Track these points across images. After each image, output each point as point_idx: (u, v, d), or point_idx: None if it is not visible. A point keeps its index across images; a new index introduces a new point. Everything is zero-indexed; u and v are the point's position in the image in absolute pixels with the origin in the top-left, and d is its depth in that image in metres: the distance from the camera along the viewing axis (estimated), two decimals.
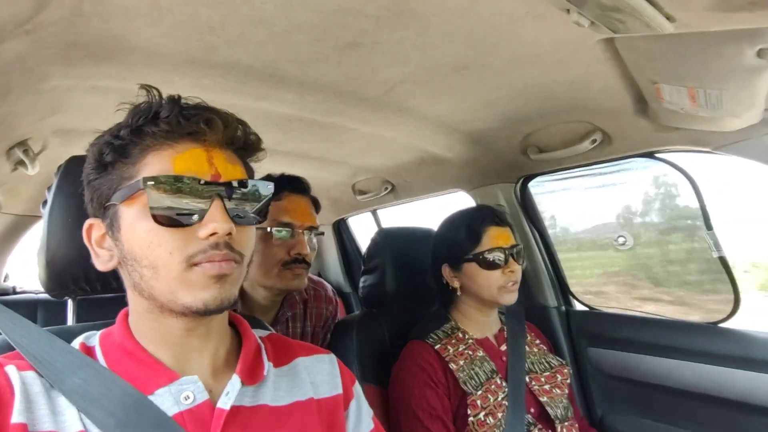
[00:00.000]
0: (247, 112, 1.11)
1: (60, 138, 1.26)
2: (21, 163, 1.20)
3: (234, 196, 0.55)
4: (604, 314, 1.52)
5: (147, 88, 0.56)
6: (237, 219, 0.55)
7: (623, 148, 1.23)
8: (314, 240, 1.25)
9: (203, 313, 0.54)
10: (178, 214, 0.52)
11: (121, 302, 0.61)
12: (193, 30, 0.80)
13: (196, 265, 0.52)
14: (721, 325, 1.23)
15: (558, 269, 1.59)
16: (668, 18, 0.64)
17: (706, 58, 0.75)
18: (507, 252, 1.14)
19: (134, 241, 0.53)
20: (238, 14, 0.76)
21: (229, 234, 0.53)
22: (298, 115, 1.19)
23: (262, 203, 0.59)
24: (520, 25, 0.78)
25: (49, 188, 0.72)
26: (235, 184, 0.55)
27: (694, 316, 1.34)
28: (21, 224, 2.04)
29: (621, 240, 1.43)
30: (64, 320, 0.85)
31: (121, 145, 0.54)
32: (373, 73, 0.98)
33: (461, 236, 1.18)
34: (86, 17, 0.73)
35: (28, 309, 1.97)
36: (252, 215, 0.58)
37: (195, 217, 0.52)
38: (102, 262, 0.58)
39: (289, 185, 1.22)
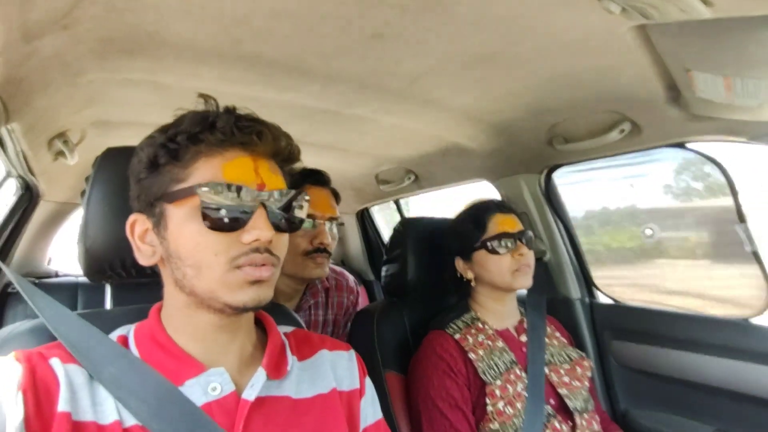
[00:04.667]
0: (272, 104, 1.15)
1: (97, 129, 1.31)
2: (61, 153, 1.26)
3: (276, 205, 0.58)
4: (630, 307, 1.48)
5: (205, 97, 0.60)
6: (276, 226, 0.58)
7: (653, 138, 1.19)
8: (335, 230, 1.28)
9: (242, 311, 0.57)
10: (225, 219, 0.54)
11: (156, 288, 0.64)
12: (221, 23, 0.81)
13: (238, 267, 0.55)
14: (753, 320, 1.19)
15: (582, 261, 1.56)
16: (704, 2, 0.61)
17: (744, 45, 0.72)
18: (515, 237, 1.14)
19: (181, 241, 0.56)
20: (263, 7, 0.77)
21: (270, 240, 0.56)
22: (323, 107, 1.20)
23: (298, 213, 0.62)
24: (550, 12, 0.76)
25: (87, 178, 0.75)
26: (277, 194, 0.58)
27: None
28: (62, 211, 2.13)
29: (648, 232, 1.39)
30: (102, 303, 0.90)
31: (175, 149, 0.57)
32: (397, 64, 0.97)
33: (468, 227, 1.20)
34: (119, 12, 0.76)
35: (69, 292, 2.08)
36: (289, 223, 0.61)
37: (240, 223, 0.55)
38: (144, 256, 0.60)
39: (310, 178, 1.26)
